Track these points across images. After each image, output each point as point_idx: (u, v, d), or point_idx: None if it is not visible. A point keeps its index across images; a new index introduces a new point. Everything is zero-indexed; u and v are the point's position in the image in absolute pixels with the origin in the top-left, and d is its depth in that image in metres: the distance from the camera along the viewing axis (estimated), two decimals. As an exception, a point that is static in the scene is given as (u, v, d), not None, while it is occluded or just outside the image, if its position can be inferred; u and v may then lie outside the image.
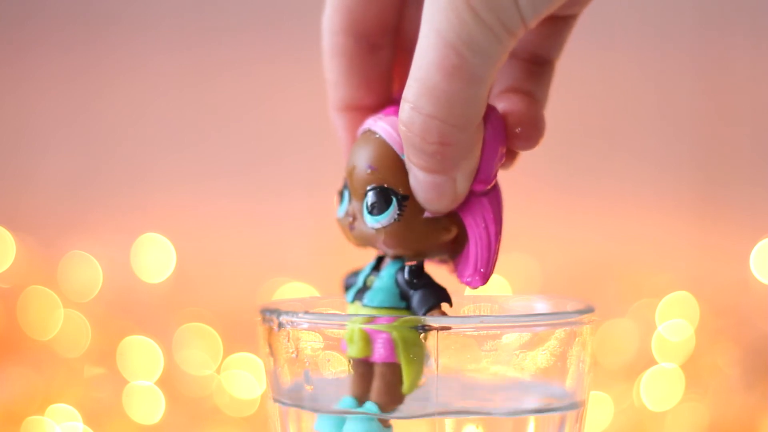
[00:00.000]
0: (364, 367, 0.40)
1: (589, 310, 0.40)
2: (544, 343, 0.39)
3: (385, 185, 0.39)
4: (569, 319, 0.40)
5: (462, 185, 0.38)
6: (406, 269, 0.40)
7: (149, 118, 0.99)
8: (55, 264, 0.95)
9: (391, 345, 0.39)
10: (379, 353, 0.39)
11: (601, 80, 0.96)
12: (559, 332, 0.40)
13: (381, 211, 0.39)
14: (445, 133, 0.36)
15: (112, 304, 0.93)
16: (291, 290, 0.92)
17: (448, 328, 0.38)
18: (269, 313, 0.41)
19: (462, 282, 0.40)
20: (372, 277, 0.40)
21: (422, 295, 0.39)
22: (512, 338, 0.39)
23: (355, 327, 0.39)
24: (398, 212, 0.38)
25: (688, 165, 0.97)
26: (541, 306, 0.45)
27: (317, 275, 0.92)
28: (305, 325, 0.40)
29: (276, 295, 0.90)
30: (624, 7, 0.96)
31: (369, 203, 0.39)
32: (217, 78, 0.99)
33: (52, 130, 1.00)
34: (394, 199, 0.38)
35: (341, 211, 0.40)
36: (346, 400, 0.40)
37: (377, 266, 0.41)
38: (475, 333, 0.39)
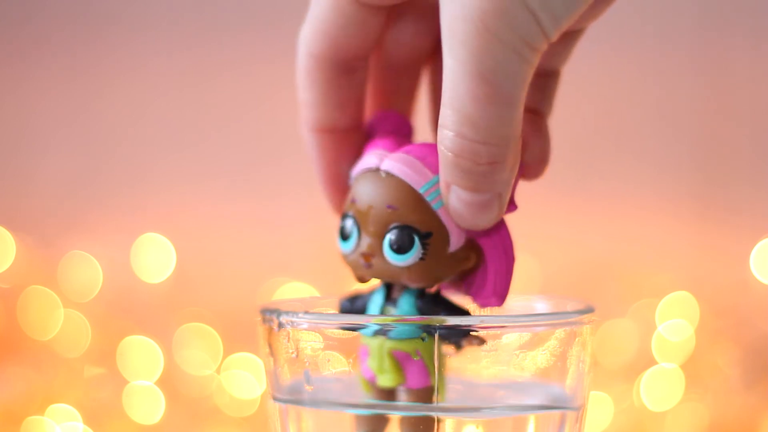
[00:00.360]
0: (387, 395, 0.40)
1: (589, 310, 0.41)
2: (544, 343, 0.39)
3: (408, 224, 0.39)
4: (569, 319, 0.40)
5: (506, 199, 0.38)
6: (427, 297, 0.40)
7: (149, 118, 0.99)
8: (55, 264, 0.95)
9: (426, 369, 0.39)
10: (416, 379, 0.39)
11: (601, 81, 0.96)
12: (559, 332, 0.40)
13: (406, 251, 0.39)
14: (494, 153, 0.36)
15: (112, 304, 0.93)
16: (291, 290, 0.92)
17: (481, 342, 0.39)
18: (269, 313, 0.41)
19: (477, 302, 0.41)
20: (389, 309, 0.40)
21: None
22: (512, 338, 0.39)
23: (384, 356, 0.39)
24: (423, 251, 0.39)
25: (688, 165, 0.97)
26: (541, 306, 0.45)
27: (317, 275, 0.92)
28: (305, 325, 0.40)
29: (276, 295, 0.90)
30: (623, 8, 0.96)
31: (393, 243, 0.39)
32: (217, 78, 0.99)
33: (52, 130, 1.00)
34: (417, 238, 0.39)
35: (348, 247, 0.40)
36: None
37: (388, 295, 0.40)
38: (475, 333, 0.39)
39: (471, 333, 0.39)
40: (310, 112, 0.41)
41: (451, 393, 0.40)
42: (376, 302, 0.41)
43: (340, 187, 0.42)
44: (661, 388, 0.88)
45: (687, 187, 0.96)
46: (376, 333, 0.40)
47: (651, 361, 0.89)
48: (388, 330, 0.39)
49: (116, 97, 0.99)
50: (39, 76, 0.99)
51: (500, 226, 0.40)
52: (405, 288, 0.40)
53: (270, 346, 0.41)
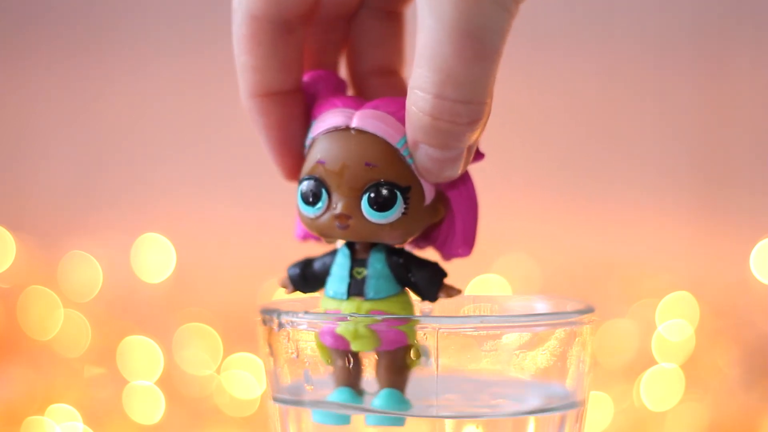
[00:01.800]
0: (357, 358, 0.40)
1: (589, 310, 0.41)
2: (544, 343, 0.39)
3: (388, 180, 0.38)
4: (569, 319, 0.40)
5: (473, 151, 0.39)
6: (397, 254, 0.40)
7: (150, 119, 1.00)
8: (55, 264, 0.95)
9: (403, 331, 0.39)
10: (391, 341, 0.39)
11: (601, 82, 0.96)
12: (559, 332, 0.40)
13: (389, 207, 0.38)
14: (475, 112, 0.37)
15: (112, 304, 0.93)
16: (291, 290, 0.91)
17: (457, 292, 0.39)
18: (269, 313, 0.41)
19: (448, 254, 0.41)
20: (360, 268, 0.40)
21: (427, 277, 0.39)
22: (512, 338, 0.39)
23: (360, 319, 0.39)
24: (405, 206, 0.38)
25: (688, 165, 0.97)
26: (541, 306, 0.45)
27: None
28: (305, 325, 0.40)
29: (276, 295, 0.90)
30: (623, 12, 0.96)
31: (375, 200, 0.38)
32: (217, 80, 0.99)
33: (53, 131, 1.00)
34: (399, 194, 0.38)
35: (316, 210, 0.40)
36: (343, 393, 0.39)
37: (353, 256, 0.40)
38: (475, 333, 0.39)
39: (446, 284, 0.39)
40: (254, 76, 0.41)
41: (451, 393, 0.40)
42: (341, 265, 0.40)
43: (290, 150, 0.41)
44: (661, 388, 0.88)
45: (687, 187, 0.96)
46: (351, 296, 0.39)
47: (651, 361, 0.89)
48: (362, 290, 0.39)
49: (117, 98, 0.99)
50: (40, 76, 0.99)
51: (465, 177, 0.40)
52: (372, 246, 0.40)
53: (270, 346, 0.41)
